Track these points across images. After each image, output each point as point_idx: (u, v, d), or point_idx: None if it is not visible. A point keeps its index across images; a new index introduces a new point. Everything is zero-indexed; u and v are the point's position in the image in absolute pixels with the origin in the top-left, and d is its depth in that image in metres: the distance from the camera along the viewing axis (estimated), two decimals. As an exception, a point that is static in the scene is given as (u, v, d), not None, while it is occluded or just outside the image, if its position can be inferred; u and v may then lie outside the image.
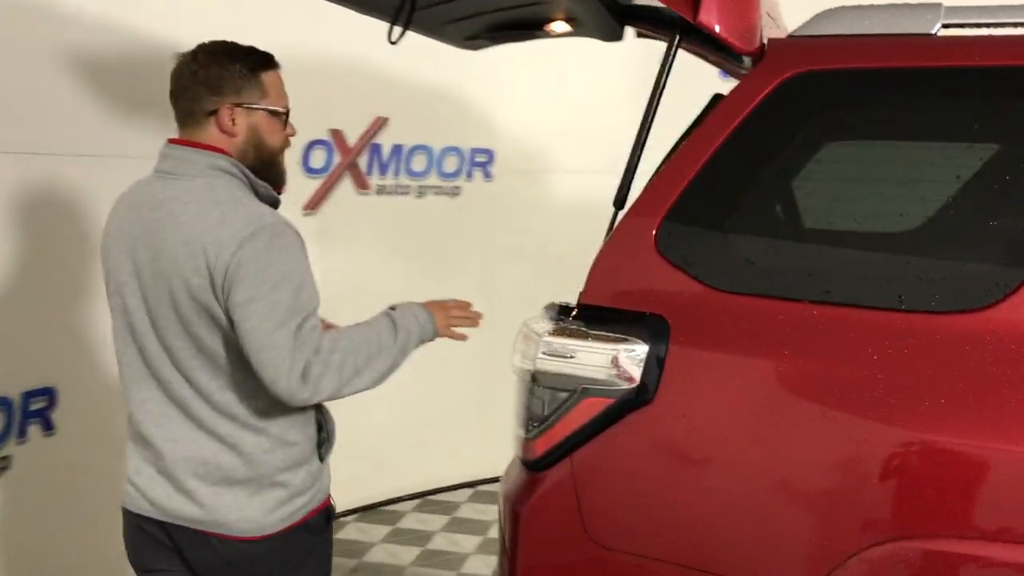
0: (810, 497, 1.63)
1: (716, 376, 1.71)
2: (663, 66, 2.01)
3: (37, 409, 3.02)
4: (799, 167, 1.83)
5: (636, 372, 1.74)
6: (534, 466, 1.84)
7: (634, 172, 1.96)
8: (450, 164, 4.70)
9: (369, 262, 4.41)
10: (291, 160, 3.95)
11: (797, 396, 1.64)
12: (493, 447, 4.76)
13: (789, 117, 1.83)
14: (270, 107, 1.92)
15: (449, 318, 2.01)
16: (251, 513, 1.85)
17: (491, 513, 4.49)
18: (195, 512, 1.86)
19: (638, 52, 5.13)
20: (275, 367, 1.73)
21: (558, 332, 1.82)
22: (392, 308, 1.96)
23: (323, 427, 1.97)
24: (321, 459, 1.96)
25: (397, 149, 4.50)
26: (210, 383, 1.83)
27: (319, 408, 1.96)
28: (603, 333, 1.78)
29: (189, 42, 1.95)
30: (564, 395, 1.79)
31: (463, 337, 2.05)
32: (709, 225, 1.81)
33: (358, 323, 1.92)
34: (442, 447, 4.72)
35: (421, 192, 4.64)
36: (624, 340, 1.76)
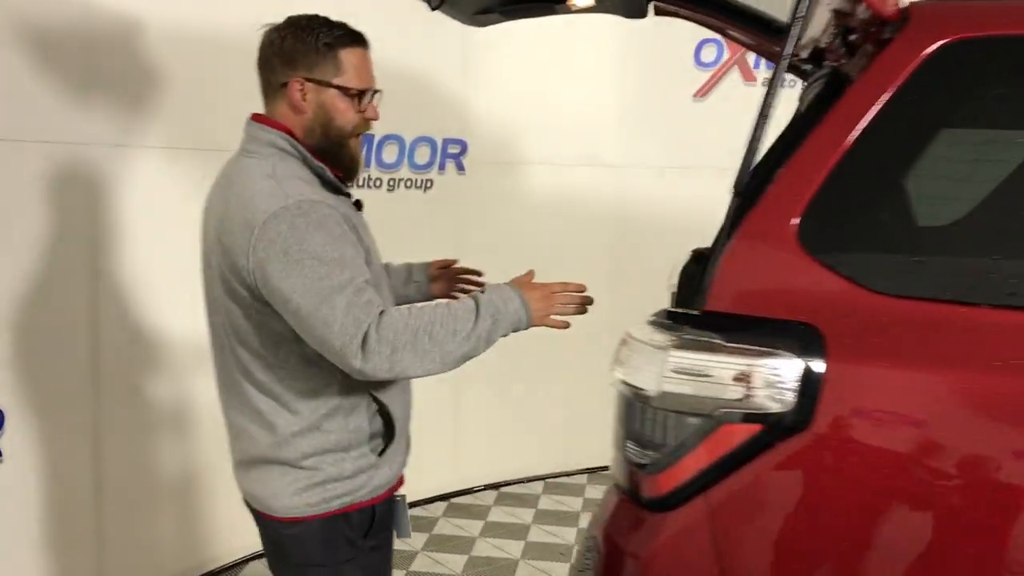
0: None
1: (890, 396, 1.44)
2: (783, 54, 1.71)
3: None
4: (967, 150, 1.57)
5: (788, 392, 1.46)
6: (656, 505, 1.55)
7: (753, 157, 1.68)
8: (422, 155, 4.37)
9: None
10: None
11: (1002, 420, 1.38)
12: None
13: (942, 95, 1.57)
14: (343, 85, 1.83)
15: (550, 304, 1.80)
16: (280, 493, 1.83)
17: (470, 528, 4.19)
18: (246, 487, 1.93)
19: (614, 41, 4.94)
20: (330, 343, 1.67)
21: (686, 345, 1.52)
22: (483, 290, 1.82)
23: (389, 421, 1.87)
24: (380, 454, 1.87)
25: (367, 139, 4.14)
26: (251, 362, 1.82)
27: (383, 401, 1.86)
28: (743, 346, 1.49)
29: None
30: (696, 421, 1.50)
31: (564, 325, 1.82)
32: (863, 217, 1.54)
33: (439, 302, 1.79)
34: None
35: (392, 185, 4.29)
36: (770, 354, 1.47)
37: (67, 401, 3.05)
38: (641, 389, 1.56)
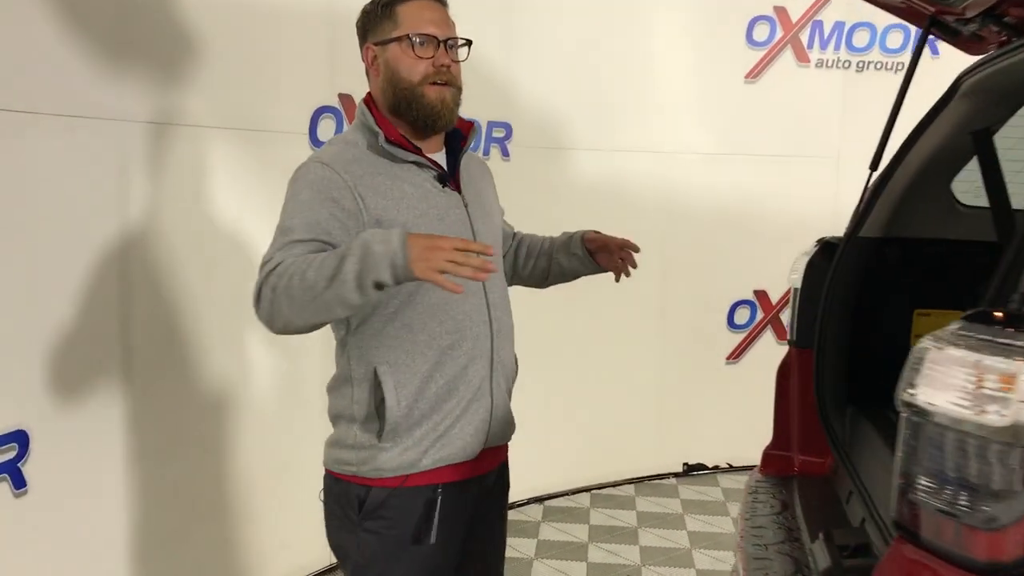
0: None
1: None
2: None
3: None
4: None
5: None
6: (999, 571, 1.18)
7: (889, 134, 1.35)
8: (468, 139, 3.97)
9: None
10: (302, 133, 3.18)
11: None
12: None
13: None
14: (398, 35, 1.82)
15: (435, 257, 1.55)
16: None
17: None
18: None
19: (663, 20, 4.60)
20: None
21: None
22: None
23: (383, 403, 1.77)
24: (378, 436, 1.79)
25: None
26: None
27: (381, 381, 1.77)
28: None
29: None
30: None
31: (456, 288, 1.58)
32: None
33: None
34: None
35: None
36: None
37: (96, 419, 2.61)
38: (973, 422, 1.19)
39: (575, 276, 2.18)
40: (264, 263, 1.67)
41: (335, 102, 3.42)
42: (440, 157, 1.91)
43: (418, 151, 1.84)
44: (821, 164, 4.80)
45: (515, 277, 2.21)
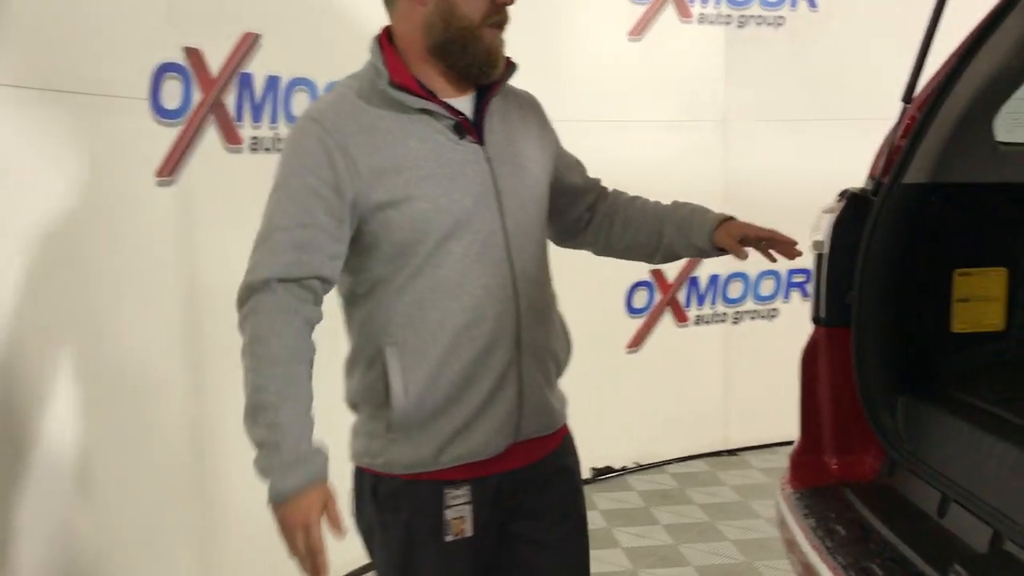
0: None
1: None
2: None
3: None
4: None
5: None
6: None
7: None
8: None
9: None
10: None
11: None
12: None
13: None
14: None
15: (286, 536, 1.53)
16: None
17: None
18: None
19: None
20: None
21: None
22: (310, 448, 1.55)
23: (388, 389, 1.61)
24: (387, 428, 1.64)
25: (273, 83, 3.00)
26: None
27: (388, 364, 1.61)
28: None
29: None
30: None
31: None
32: None
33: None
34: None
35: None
36: None
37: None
38: None
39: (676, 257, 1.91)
40: (249, 273, 1.57)
41: (179, 58, 2.65)
42: (463, 102, 1.66)
43: (431, 96, 1.61)
44: (710, 129, 4.45)
45: (605, 248, 1.92)
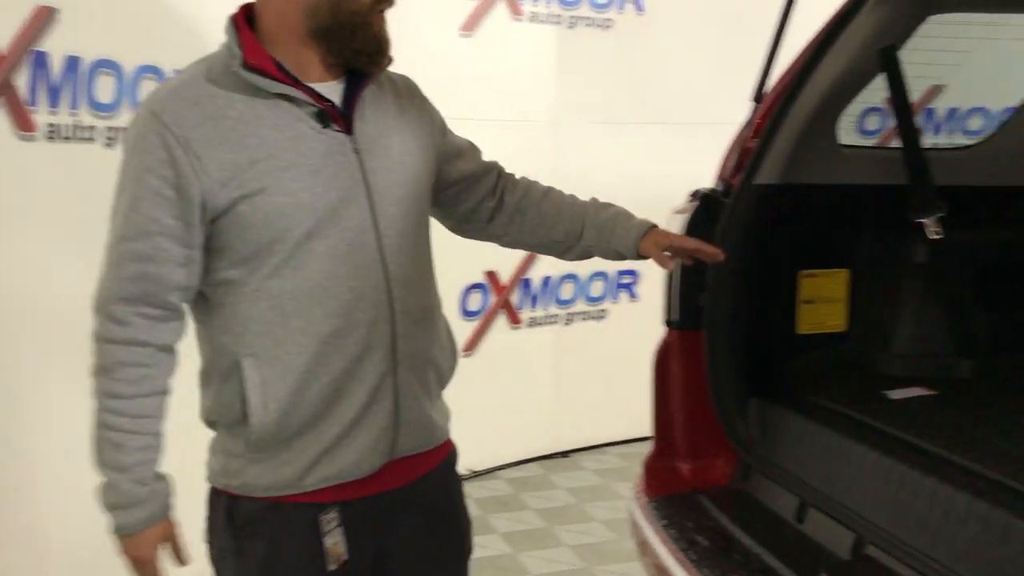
0: None
1: None
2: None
3: None
4: None
5: None
6: None
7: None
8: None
9: (47, 250, 2.60)
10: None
11: None
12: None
13: None
14: None
15: (132, 571, 1.53)
16: None
17: None
18: None
19: None
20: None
21: None
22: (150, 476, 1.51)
23: (245, 404, 1.49)
24: (247, 447, 1.51)
25: (73, 63, 2.69)
26: None
27: (245, 377, 1.48)
28: None
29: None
30: None
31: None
32: None
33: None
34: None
35: (110, 141, 2.86)
36: None
37: None
38: None
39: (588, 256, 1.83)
40: (98, 291, 1.47)
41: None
42: (331, 88, 1.52)
43: (291, 80, 1.47)
44: (540, 129, 4.40)
45: (515, 242, 1.82)
